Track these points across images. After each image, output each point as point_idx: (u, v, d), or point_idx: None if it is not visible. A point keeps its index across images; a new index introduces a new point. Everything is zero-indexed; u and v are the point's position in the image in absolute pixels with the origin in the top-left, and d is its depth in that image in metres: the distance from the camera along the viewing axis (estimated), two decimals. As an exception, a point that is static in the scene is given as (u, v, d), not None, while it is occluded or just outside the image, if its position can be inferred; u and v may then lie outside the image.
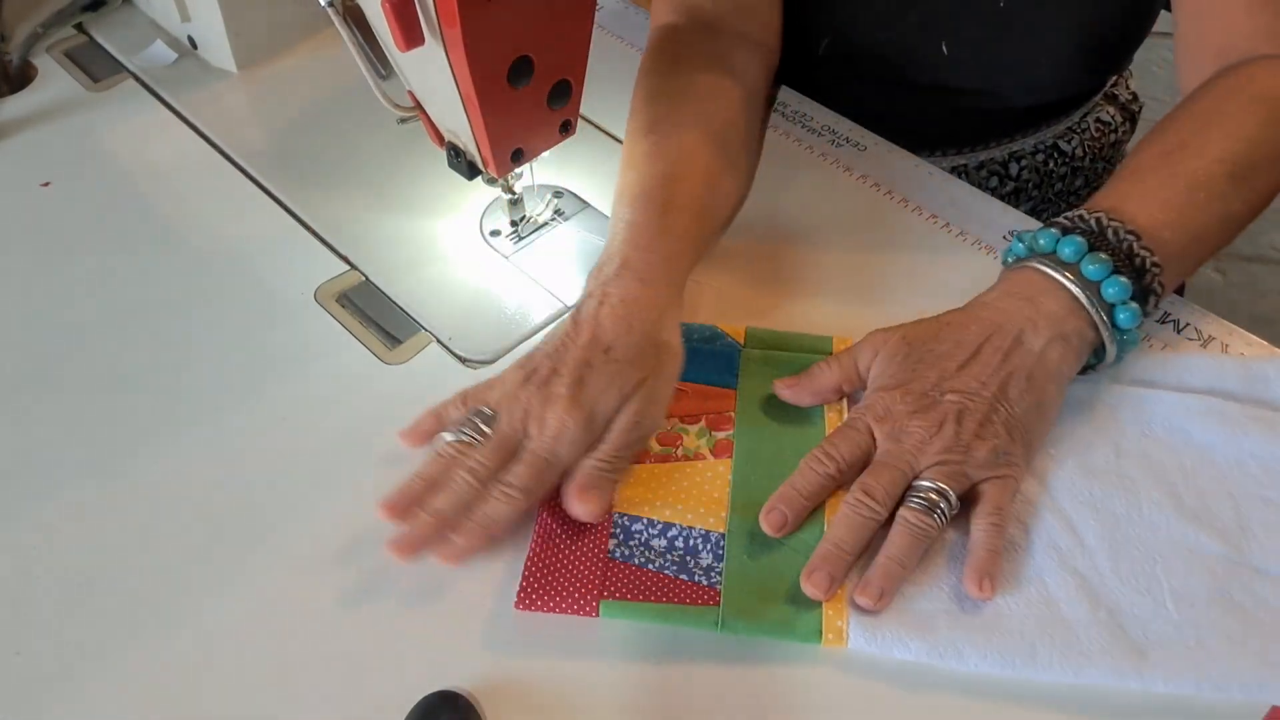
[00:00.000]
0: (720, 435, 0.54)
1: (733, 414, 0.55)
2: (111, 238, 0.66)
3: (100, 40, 0.82)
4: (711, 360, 0.57)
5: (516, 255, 0.65)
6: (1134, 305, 0.52)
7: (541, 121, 0.56)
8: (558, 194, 0.68)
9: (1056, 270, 0.52)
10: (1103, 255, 0.52)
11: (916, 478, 0.49)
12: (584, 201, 0.68)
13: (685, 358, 0.54)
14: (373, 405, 0.57)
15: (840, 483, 0.50)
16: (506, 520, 0.49)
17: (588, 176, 0.70)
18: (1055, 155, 0.81)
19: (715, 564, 0.49)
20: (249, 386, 0.58)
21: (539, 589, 0.47)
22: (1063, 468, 0.52)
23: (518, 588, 0.47)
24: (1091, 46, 0.72)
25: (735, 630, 0.46)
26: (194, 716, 0.45)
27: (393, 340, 0.60)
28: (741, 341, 0.58)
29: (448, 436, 0.51)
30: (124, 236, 0.66)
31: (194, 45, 0.80)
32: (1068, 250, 0.52)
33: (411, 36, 0.49)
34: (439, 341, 0.60)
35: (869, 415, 0.51)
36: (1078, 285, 0.52)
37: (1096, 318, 0.52)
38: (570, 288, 0.62)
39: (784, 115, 0.74)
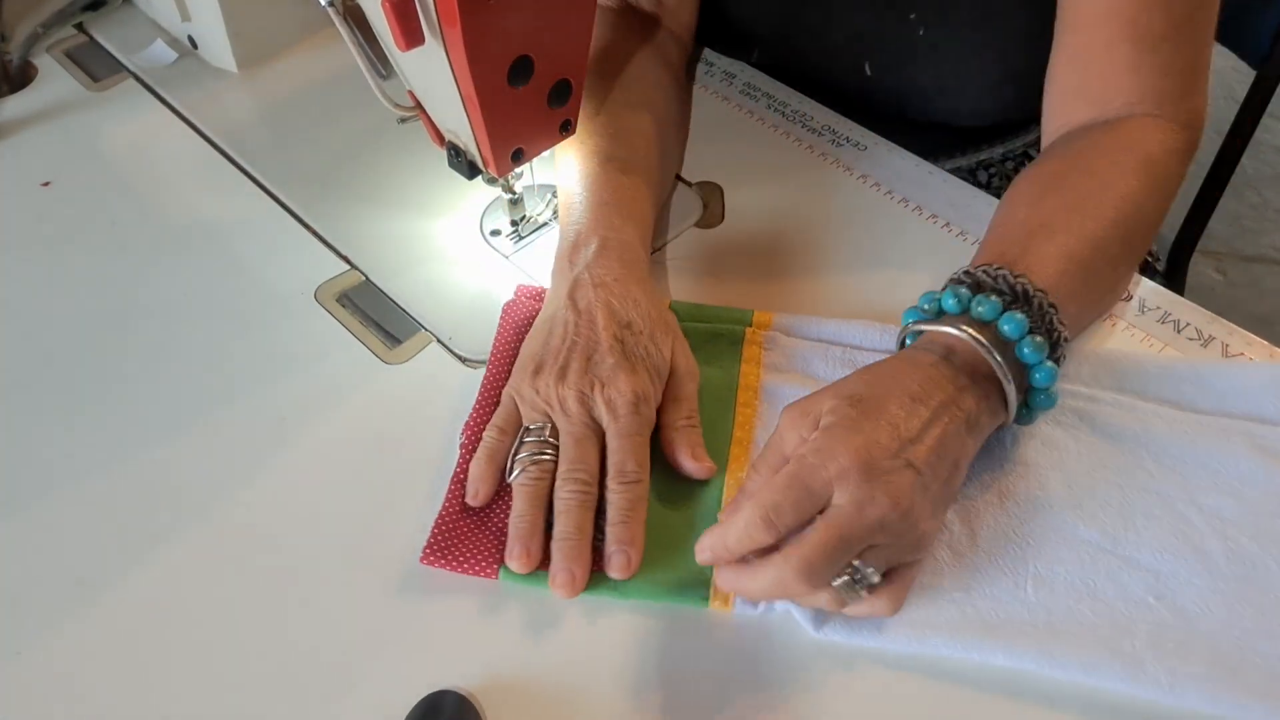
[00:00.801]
0: None
1: None
2: (111, 237, 0.66)
3: (100, 40, 0.82)
4: None
5: (517, 255, 0.65)
6: (1055, 392, 0.50)
7: (541, 121, 0.56)
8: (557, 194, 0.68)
9: (990, 355, 0.48)
10: (1039, 339, 0.49)
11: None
12: (584, 201, 0.68)
13: None
14: (373, 405, 0.57)
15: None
16: (645, 503, 0.49)
17: (588, 176, 0.70)
18: (1028, 162, 0.80)
19: None
20: (249, 386, 0.58)
21: (445, 547, 0.49)
22: None
23: (424, 543, 0.49)
24: (1017, 79, 0.71)
25: (627, 595, 0.48)
26: (194, 716, 0.45)
27: (393, 340, 0.60)
28: None
29: (515, 470, 0.51)
30: (124, 236, 0.66)
31: (194, 45, 0.80)
32: (1009, 327, 0.49)
33: (411, 36, 0.49)
34: (439, 341, 0.60)
35: (830, 470, 0.45)
36: (1011, 379, 0.48)
37: (1014, 411, 0.49)
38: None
39: (784, 115, 0.74)
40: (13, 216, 0.68)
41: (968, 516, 0.50)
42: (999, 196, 0.80)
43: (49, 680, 0.46)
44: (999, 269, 0.51)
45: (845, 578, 0.44)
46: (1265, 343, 0.58)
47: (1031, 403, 0.50)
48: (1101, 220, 0.55)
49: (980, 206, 0.67)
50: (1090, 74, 0.61)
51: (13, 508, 0.52)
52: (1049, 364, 0.49)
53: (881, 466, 0.45)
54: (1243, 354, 0.57)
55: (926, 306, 0.52)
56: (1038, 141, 0.79)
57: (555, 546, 0.48)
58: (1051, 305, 0.50)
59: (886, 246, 0.65)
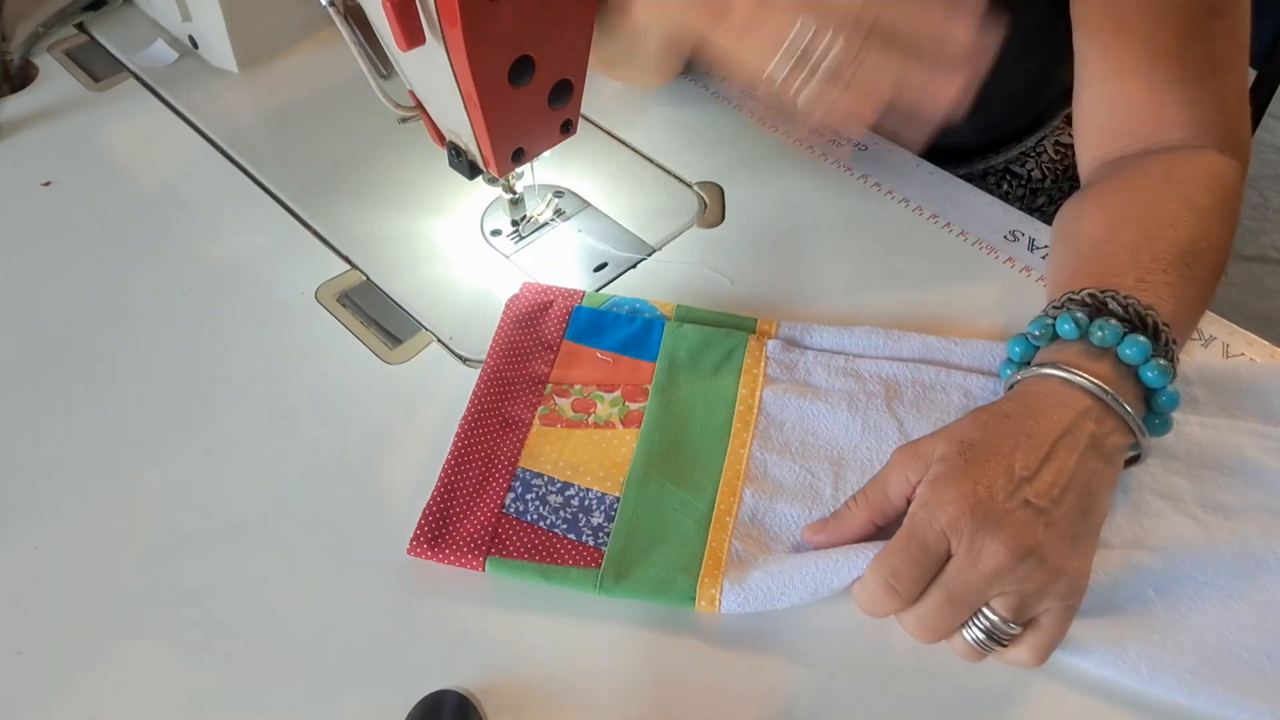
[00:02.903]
0: (633, 406, 0.55)
1: (648, 387, 0.56)
2: (112, 237, 0.66)
3: (101, 40, 0.82)
4: (636, 333, 0.58)
5: (517, 255, 0.65)
6: (1171, 417, 0.49)
7: (542, 121, 0.56)
8: (558, 194, 0.68)
9: (1114, 400, 0.47)
10: (1163, 362, 0.48)
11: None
12: (585, 201, 0.68)
13: (611, 328, 0.58)
14: (373, 405, 0.57)
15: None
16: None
17: (588, 176, 0.70)
18: (1009, 178, 0.80)
19: (605, 524, 0.50)
20: (250, 386, 0.58)
21: (432, 538, 0.49)
22: None
23: (411, 534, 0.49)
24: (985, 110, 0.69)
25: (613, 593, 0.48)
26: (194, 716, 0.45)
27: (393, 340, 0.60)
28: (669, 317, 0.59)
29: None
30: (125, 236, 0.66)
31: (195, 45, 0.80)
32: (1131, 351, 0.48)
33: (412, 36, 0.49)
34: (440, 341, 0.60)
35: (941, 521, 0.43)
36: (1127, 406, 0.47)
37: (1140, 436, 0.48)
38: (570, 287, 0.62)
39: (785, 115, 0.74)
40: (13, 216, 0.68)
41: None
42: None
43: (49, 680, 0.46)
44: (1127, 297, 0.49)
45: (978, 631, 0.43)
46: (1266, 343, 0.58)
47: (1154, 406, 0.49)
48: (1204, 264, 0.53)
49: (980, 207, 0.67)
50: (1140, 114, 0.59)
51: (13, 507, 0.52)
52: (1171, 389, 0.48)
53: (996, 510, 0.43)
54: (1243, 354, 0.57)
55: (1038, 333, 0.51)
56: (1019, 158, 0.79)
57: None
58: (1174, 340, 0.49)
59: (887, 246, 0.65)
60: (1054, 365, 0.48)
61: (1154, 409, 0.49)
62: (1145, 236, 0.54)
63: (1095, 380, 0.47)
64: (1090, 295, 0.50)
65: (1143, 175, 0.58)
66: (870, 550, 0.46)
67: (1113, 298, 0.49)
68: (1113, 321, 0.48)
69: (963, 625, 0.44)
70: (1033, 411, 0.47)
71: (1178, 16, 0.55)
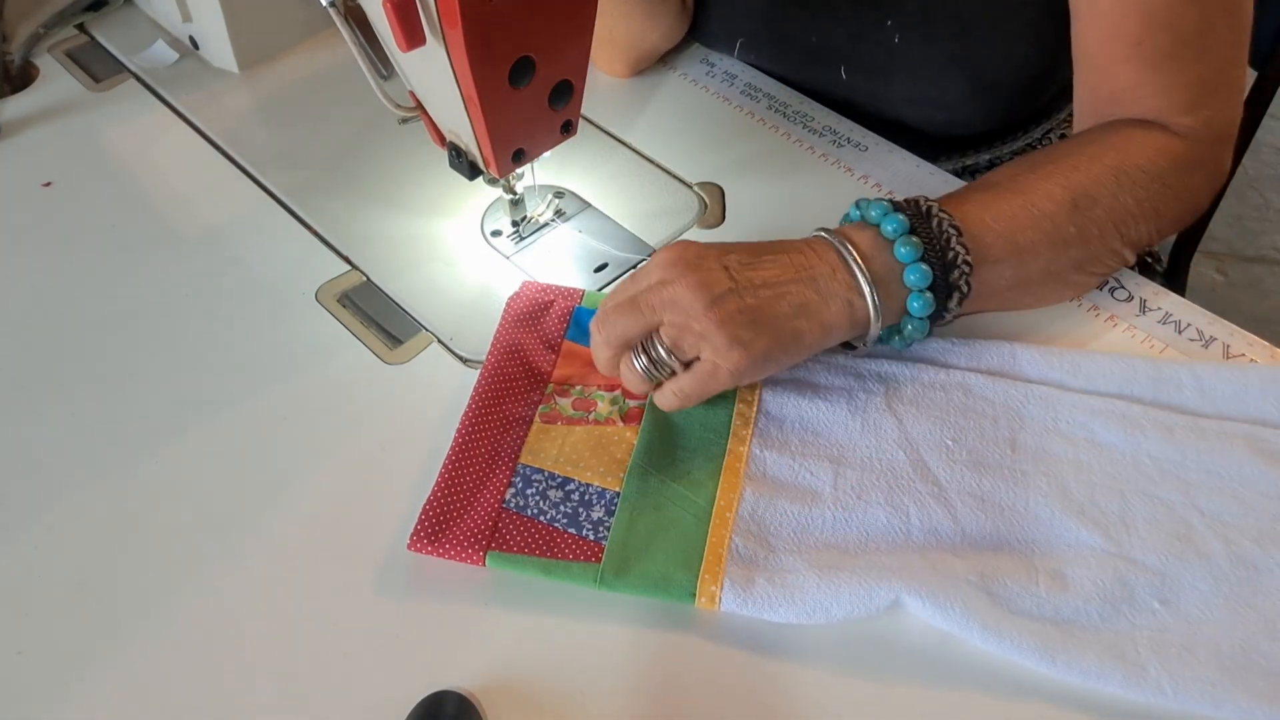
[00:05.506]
0: (633, 404, 0.55)
1: None
2: (113, 238, 0.66)
3: (102, 40, 0.82)
4: None
5: (517, 255, 0.65)
6: (928, 295, 0.52)
7: (543, 122, 0.56)
8: (559, 194, 0.68)
9: (852, 258, 0.52)
10: (914, 239, 0.52)
11: (655, 330, 0.50)
12: (585, 201, 0.68)
13: None
14: (373, 405, 0.57)
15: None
16: None
17: (588, 176, 0.70)
18: None
19: (605, 518, 0.50)
20: (249, 386, 0.58)
21: (432, 534, 0.49)
22: (955, 460, 0.52)
23: (411, 530, 0.49)
24: (992, 93, 0.71)
25: (613, 588, 0.48)
26: (194, 716, 0.45)
27: (393, 340, 0.60)
28: None
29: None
30: (125, 236, 0.66)
31: (195, 45, 0.80)
32: (890, 227, 0.53)
33: (413, 36, 0.49)
34: (440, 341, 0.60)
35: (654, 261, 0.51)
36: (863, 267, 0.52)
37: (871, 298, 0.51)
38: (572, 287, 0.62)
39: (784, 115, 0.74)
40: (14, 216, 0.68)
41: (964, 522, 0.50)
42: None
43: (49, 680, 0.46)
44: (918, 197, 0.54)
45: (644, 357, 0.50)
46: (1266, 343, 0.58)
47: (906, 280, 0.52)
48: (1050, 197, 0.56)
49: (981, 207, 0.67)
50: (1099, 95, 0.62)
51: (14, 507, 0.52)
52: (923, 266, 0.52)
53: (694, 261, 0.49)
54: (1244, 355, 0.57)
55: (838, 225, 0.56)
56: (1025, 150, 0.79)
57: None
58: (954, 226, 0.52)
59: (887, 247, 0.65)
60: (825, 229, 0.54)
61: (907, 284, 0.52)
62: (995, 176, 0.58)
63: (843, 237, 0.52)
64: (907, 200, 0.55)
65: (1058, 143, 0.62)
66: (877, 583, 0.46)
67: (906, 198, 0.55)
68: (883, 203, 0.54)
69: (637, 354, 0.50)
70: (783, 244, 0.53)
71: (1157, 8, 0.57)
